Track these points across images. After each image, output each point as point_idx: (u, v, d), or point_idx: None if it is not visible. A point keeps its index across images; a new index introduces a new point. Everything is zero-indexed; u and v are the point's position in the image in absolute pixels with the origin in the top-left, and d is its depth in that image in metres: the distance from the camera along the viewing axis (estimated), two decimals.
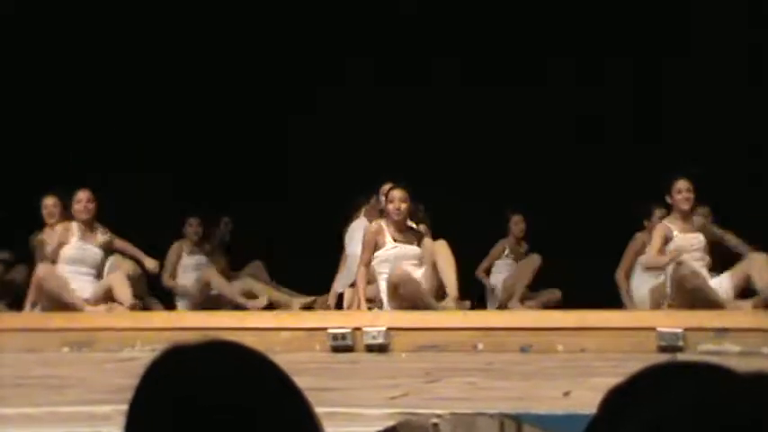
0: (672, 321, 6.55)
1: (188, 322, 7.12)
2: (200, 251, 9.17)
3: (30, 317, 7.74)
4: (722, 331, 6.40)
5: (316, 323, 7.07)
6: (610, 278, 8.27)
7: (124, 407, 1.18)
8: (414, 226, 7.49)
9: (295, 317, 7.70)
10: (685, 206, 7.49)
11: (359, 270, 7.47)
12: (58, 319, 7.45)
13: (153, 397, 1.15)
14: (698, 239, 7.55)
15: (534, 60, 9.35)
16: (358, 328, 6.79)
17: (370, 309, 7.38)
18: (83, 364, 6.34)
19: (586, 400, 4.15)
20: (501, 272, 9.22)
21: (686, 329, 6.40)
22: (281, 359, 1.22)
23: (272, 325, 7.05)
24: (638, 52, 9.21)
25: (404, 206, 7.32)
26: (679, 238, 7.49)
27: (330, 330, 6.80)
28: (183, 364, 1.15)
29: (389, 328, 6.77)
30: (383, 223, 7.40)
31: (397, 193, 7.36)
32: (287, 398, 1.16)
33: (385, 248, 7.33)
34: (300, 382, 1.19)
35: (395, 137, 7.84)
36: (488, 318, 7.16)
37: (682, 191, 7.49)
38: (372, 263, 7.36)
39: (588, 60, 9.32)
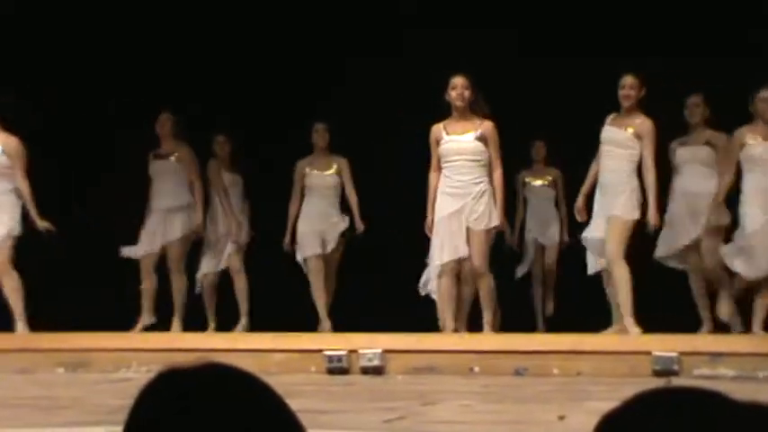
0: (667, 345, 6.55)
1: (183, 343, 7.10)
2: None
3: (24, 337, 7.72)
4: (717, 355, 6.40)
5: (311, 345, 7.07)
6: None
7: (118, 429, 1.18)
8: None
9: (291, 339, 7.69)
10: (624, 103, 7.27)
11: (429, 176, 7.46)
12: (53, 340, 7.44)
13: (147, 419, 1.15)
14: (624, 134, 7.25)
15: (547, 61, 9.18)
16: (354, 351, 6.78)
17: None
18: (77, 385, 6.32)
19: (581, 424, 4.15)
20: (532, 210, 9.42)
21: (681, 354, 6.40)
22: (276, 381, 1.21)
23: (267, 346, 7.04)
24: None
25: (467, 93, 7.29)
26: (604, 131, 7.32)
27: (326, 352, 6.79)
28: (178, 386, 1.15)
29: (385, 351, 6.77)
30: (442, 123, 7.40)
31: (460, 80, 7.33)
32: (281, 421, 1.16)
33: (441, 143, 7.34)
34: (295, 404, 1.19)
35: (396, 142, 7.92)
36: (484, 341, 7.16)
37: (624, 86, 7.28)
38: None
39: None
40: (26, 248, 8.11)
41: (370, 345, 6.87)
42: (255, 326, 8.85)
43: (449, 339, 7.09)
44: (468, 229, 7.23)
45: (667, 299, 7.94)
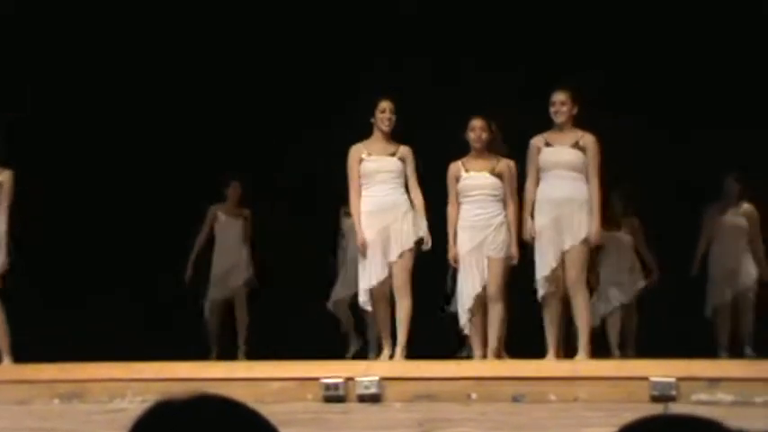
0: (665, 371, 6.54)
1: (179, 373, 7.07)
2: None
3: (20, 369, 7.69)
4: (715, 381, 6.38)
5: (308, 373, 7.04)
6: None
7: None
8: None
9: (287, 367, 7.66)
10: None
11: (448, 210, 7.61)
12: (49, 371, 7.40)
13: None
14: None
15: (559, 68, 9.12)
16: (351, 378, 6.76)
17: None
18: (72, 416, 6.29)
19: None
20: None
21: (679, 379, 6.38)
22: (273, 410, 1.21)
23: (263, 375, 7.01)
24: None
25: (484, 135, 7.59)
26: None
27: (323, 380, 6.77)
28: (172, 418, 1.14)
29: (382, 378, 6.74)
30: (460, 161, 7.64)
31: (478, 122, 7.61)
32: None
33: (460, 179, 7.60)
34: None
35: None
36: (481, 367, 7.14)
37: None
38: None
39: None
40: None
41: (367, 372, 6.85)
42: (252, 354, 8.84)
43: (446, 366, 7.07)
44: (487, 258, 7.48)
45: (664, 324, 7.93)
